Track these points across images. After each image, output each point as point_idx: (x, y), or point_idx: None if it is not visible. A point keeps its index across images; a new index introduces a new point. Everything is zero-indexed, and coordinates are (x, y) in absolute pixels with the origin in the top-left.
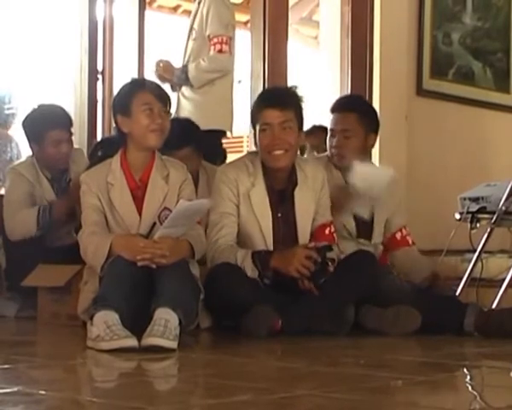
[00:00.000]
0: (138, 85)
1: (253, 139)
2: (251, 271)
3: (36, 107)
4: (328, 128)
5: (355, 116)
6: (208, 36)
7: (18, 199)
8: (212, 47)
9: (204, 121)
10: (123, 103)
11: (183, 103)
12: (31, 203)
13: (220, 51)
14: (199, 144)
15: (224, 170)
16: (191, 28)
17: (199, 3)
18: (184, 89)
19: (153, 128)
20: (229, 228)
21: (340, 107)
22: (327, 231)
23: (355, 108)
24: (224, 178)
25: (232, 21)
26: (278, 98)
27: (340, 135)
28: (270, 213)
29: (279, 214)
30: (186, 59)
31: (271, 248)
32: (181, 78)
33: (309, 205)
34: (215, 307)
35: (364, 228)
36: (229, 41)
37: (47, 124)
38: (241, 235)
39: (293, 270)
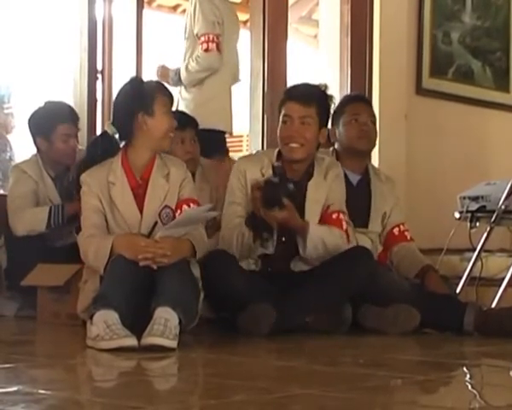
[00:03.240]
0: (158, 87)
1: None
2: (247, 237)
3: (42, 104)
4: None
5: None
6: (196, 35)
7: (22, 196)
8: (200, 46)
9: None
10: (146, 102)
11: (179, 104)
12: (35, 201)
13: (207, 50)
14: (197, 132)
15: (236, 162)
16: (185, 27)
17: (190, 2)
18: (181, 89)
19: (171, 132)
20: (238, 215)
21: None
22: (334, 216)
23: None
24: (234, 170)
25: (220, 18)
26: (302, 93)
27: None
28: None
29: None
30: (182, 58)
31: (276, 236)
32: (174, 79)
33: (321, 195)
34: (211, 298)
35: (361, 216)
36: (217, 39)
37: (56, 118)
38: None
39: (254, 209)
